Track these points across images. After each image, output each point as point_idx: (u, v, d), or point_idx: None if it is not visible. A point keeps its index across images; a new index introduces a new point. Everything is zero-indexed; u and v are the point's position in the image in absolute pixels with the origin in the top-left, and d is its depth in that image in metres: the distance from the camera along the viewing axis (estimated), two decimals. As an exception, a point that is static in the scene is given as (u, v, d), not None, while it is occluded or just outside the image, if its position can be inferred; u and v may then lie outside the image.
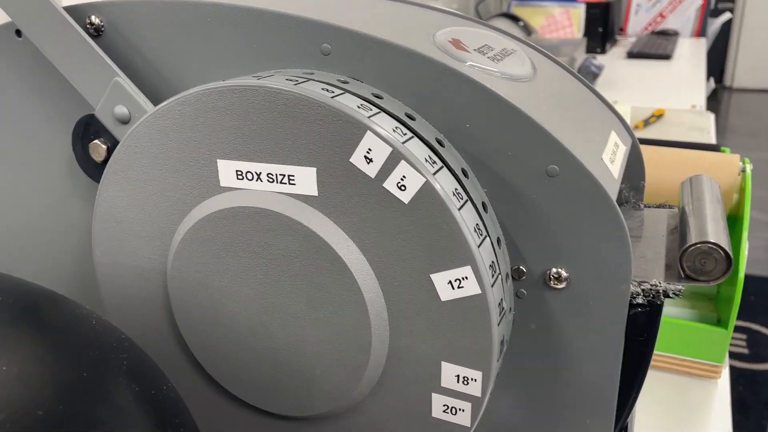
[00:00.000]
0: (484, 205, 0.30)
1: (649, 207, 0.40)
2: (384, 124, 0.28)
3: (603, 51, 1.94)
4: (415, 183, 0.27)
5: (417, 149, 0.28)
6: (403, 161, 0.27)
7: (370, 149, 0.28)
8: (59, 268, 0.41)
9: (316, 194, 0.29)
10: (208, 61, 0.34)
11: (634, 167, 0.40)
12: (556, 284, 0.31)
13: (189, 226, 0.32)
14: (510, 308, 0.31)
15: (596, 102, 0.39)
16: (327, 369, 0.32)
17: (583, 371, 0.32)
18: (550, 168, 0.29)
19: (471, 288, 0.28)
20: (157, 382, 0.25)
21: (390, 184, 0.28)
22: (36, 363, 0.22)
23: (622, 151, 0.36)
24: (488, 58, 0.33)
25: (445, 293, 0.29)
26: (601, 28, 1.97)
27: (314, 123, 0.28)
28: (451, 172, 0.29)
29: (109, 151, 0.36)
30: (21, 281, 0.30)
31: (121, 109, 0.34)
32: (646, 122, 1.15)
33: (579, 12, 1.99)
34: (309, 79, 0.30)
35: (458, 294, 0.28)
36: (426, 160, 0.28)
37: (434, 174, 0.28)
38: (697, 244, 0.30)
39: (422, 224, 0.28)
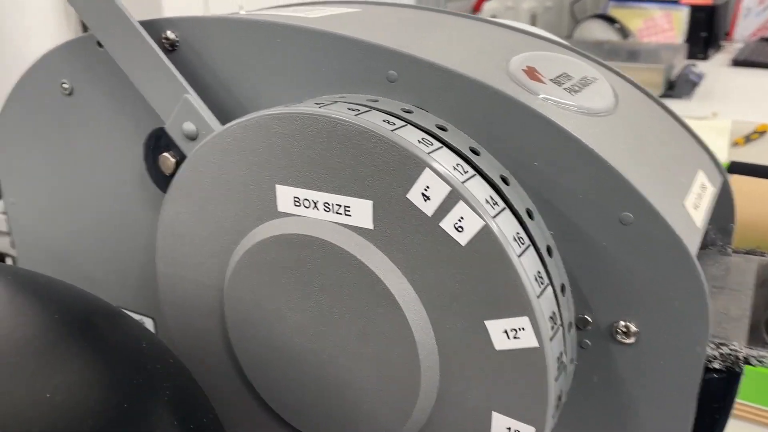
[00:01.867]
0: (549, 249, 0.28)
1: (738, 252, 0.37)
2: (444, 160, 0.27)
3: (705, 57, 1.83)
4: (473, 225, 0.26)
5: (478, 188, 0.27)
6: (461, 202, 0.26)
7: (428, 187, 0.26)
8: (125, 275, 0.42)
9: (372, 228, 0.28)
10: (277, 82, 0.33)
11: (723, 207, 0.37)
12: (624, 338, 0.29)
13: (246, 248, 0.32)
14: (571, 359, 0.29)
15: (684, 136, 0.36)
16: (374, 405, 0.31)
17: (647, 433, 0.30)
18: (623, 215, 0.27)
19: (528, 340, 0.26)
20: (198, 413, 0.25)
21: (447, 225, 0.26)
22: (80, 390, 0.23)
23: (710, 193, 0.33)
24: (565, 89, 0.31)
25: (500, 342, 0.27)
26: (705, 33, 1.86)
27: (372, 155, 0.27)
28: (515, 214, 0.27)
29: (178, 165, 0.36)
30: (80, 293, 0.30)
31: (190, 126, 0.34)
32: (747, 139, 1.08)
33: (681, 15, 1.89)
34: (372, 108, 0.29)
35: (514, 345, 0.27)
36: (487, 201, 0.26)
37: (495, 216, 0.26)
38: (786, 308, 0.27)
39: (479, 268, 0.26)
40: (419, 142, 0.27)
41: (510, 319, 0.26)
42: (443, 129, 0.29)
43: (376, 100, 0.30)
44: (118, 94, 0.39)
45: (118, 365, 0.25)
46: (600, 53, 1.55)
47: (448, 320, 0.28)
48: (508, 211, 0.27)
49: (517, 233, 0.27)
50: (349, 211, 0.29)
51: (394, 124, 0.28)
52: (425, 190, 0.26)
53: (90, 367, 0.24)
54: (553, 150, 0.28)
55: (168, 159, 0.36)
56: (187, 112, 0.34)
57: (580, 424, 0.31)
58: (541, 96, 0.29)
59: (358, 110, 0.28)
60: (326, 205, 0.29)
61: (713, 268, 0.35)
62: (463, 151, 0.28)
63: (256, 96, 0.34)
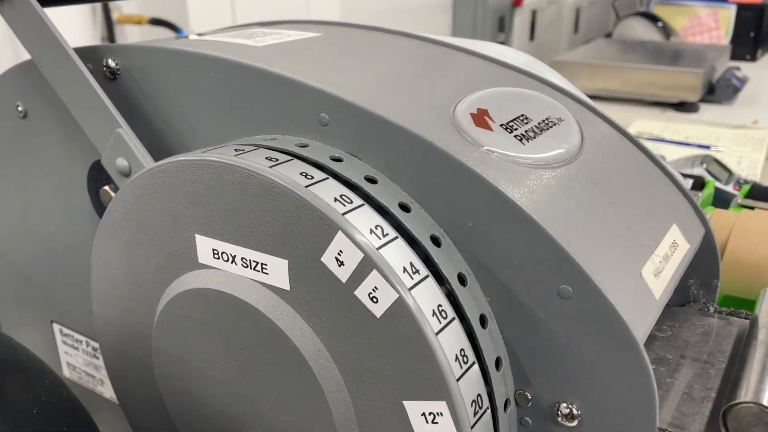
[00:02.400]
0: (483, 318, 0.25)
1: (720, 313, 0.33)
2: (362, 222, 0.24)
3: (753, 59, 1.74)
4: (387, 297, 0.23)
5: (397, 254, 0.24)
6: (375, 270, 0.23)
7: (341, 251, 0.24)
8: (83, 300, 0.41)
9: (288, 288, 0.26)
10: (212, 118, 0.31)
11: (706, 262, 0.33)
12: (566, 421, 0.26)
13: (168, 299, 0.30)
14: (509, 438, 0.27)
15: (662, 183, 0.32)
16: (296, 475, 0.28)
17: None
18: (562, 288, 0.24)
19: (446, 427, 0.24)
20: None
21: (361, 294, 0.24)
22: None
23: (683, 251, 0.30)
24: (516, 136, 0.28)
25: (419, 426, 0.24)
26: (753, 33, 1.77)
27: (286, 212, 0.25)
28: (440, 281, 0.24)
29: (118, 199, 0.34)
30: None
31: (122, 162, 0.32)
32: (787, 153, 1.01)
33: (729, 14, 1.80)
34: (294, 157, 0.26)
35: (433, 430, 0.24)
36: (405, 270, 0.24)
37: (413, 287, 0.23)
38: (745, 403, 0.24)
39: (395, 343, 0.24)
40: (336, 200, 0.24)
41: (427, 402, 0.24)
42: (373, 181, 0.26)
43: (306, 146, 0.28)
44: (69, 120, 0.37)
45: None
46: (641, 53, 1.49)
47: (368, 396, 0.25)
48: (430, 280, 0.24)
49: (439, 306, 0.24)
50: (266, 269, 0.26)
51: (312, 177, 0.25)
52: (338, 254, 0.24)
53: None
54: (488, 211, 0.25)
55: (108, 193, 0.35)
56: (119, 147, 0.32)
57: (522, 506, 0.28)
58: (484, 148, 0.27)
59: (277, 160, 0.26)
60: (244, 260, 0.27)
61: (688, 331, 0.31)
62: (390, 208, 0.25)
63: (193, 132, 0.32)
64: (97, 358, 0.44)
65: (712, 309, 0.33)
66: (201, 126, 0.32)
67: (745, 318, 0.32)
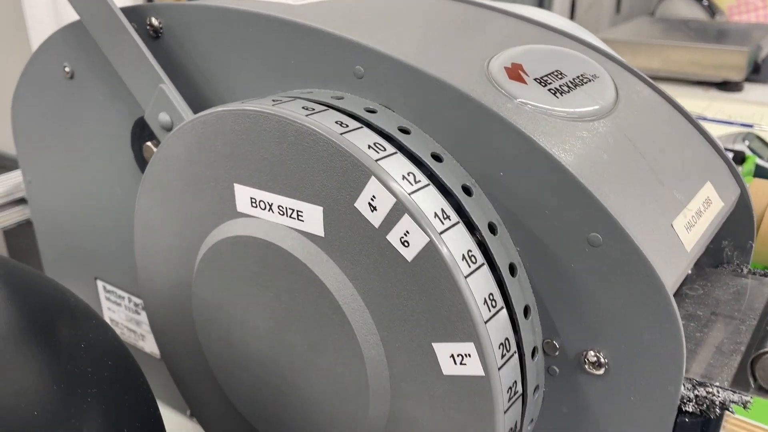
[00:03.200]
0: (512, 267, 0.26)
1: (754, 274, 0.33)
2: (395, 169, 0.25)
3: (802, 38, 1.68)
4: (418, 241, 0.24)
5: (429, 200, 0.24)
6: (406, 215, 0.24)
7: (374, 196, 0.24)
8: (127, 257, 0.42)
9: (323, 235, 0.27)
10: (251, 73, 0.32)
11: (741, 223, 0.33)
12: (593, 369, 0.26)
13: (207, 248, 0.31)
14: (537, 386, 0.27)
15: (698, 143, 0.32)
16: (327, 418, 0.29)
17: (617, 472, 0.27)
18: (591, 236, 0.24)
19: (474, 368, 0.24)
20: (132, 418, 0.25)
21: (393, 238, 0.25)
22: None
23: (716, 209, 0.29)
24: (549, 90, 0.28)
25: (448, 367, 0.25)
26: (803, 12, 1.71)
27: (321, 159, 0.25)
28: (470, 229, 0.25)
29: (160, 155, 0.35)
30: (49, 286, 0.30)
31: (165, 117, 0.33)
32: (833, 133, 0.98)
33: (778, -8, 1.74)
34: (330, 107, 0.27)
35: (460, 371, 0.25)
36: (436, 215, 0.24)
37: (443, 232, 0.24)
38: (775, 351, 0.24)
39: (425, 286, 0.24)
40: (370, 147, 0.25)
41: (456, 343, 0.24)
42: (406, 132, 0.27)
43: (341, 98, 0.28)
44: (114, 80, 0.38)
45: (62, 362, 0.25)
46: (684, 31, 1.46)
47: (398, 338, 0.26)
48: (461, 226, 0.25)
49: (469, 251, 0.24)
50: (301, 216, 0.27)
51: (347, 126, 0.26)
52: (372, 199, 0.25)
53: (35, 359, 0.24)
54: (520, 161, 0.25)
55: (151, 149, 0.36)
56: (162, 103, 0.33)
57: (548, 455, 0.29)
58: (517, 100, 0.27)
59: (313, 110, 0.27)
60: (280, 208, 0.28)
61: (720, 290, 0.31)
62: (422, 158, 0.26)
63: (232, 89, 0.33)
64: (139, 313, 0.46)
65: (745, 270, 0.33)
66: (240, 82, 0.33)
67: (780, 279, 0.32)
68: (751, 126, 1.05)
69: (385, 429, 0.28)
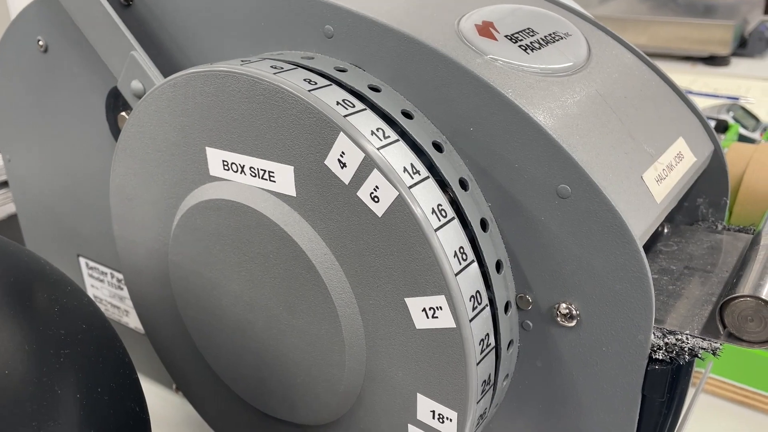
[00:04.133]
0: (483, 222, 0.26)
1: (729, 230, 0.33)
2: (364, 124, 0.25)
3: (788, 12, 1.68)
4: (387, 195, 0.24)
5: (398, 155, 0.24)
6: (375, 170, 0.24)
7: (343, 152, 0.24)
8: (107, 231, 0.42)
9: (295, 195, 0.27)
10: (222, 37, 0.32)
11: (715, 180, 0.33)
12: (565, 321, 0.26)
13: (183, 213, 0.31)
14: (510, 341, 0.27)
15: (670, 101, 0.32)
16: (306, 379, 0.29)
17: (591, 424, 0.27)
18: (560, 188, 0.24)
19: (445, 320, 0.24)
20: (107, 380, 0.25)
21: (363, 194, 0.25)
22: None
23: (688, 163, 0.30)
24: (520, 47, 0.28)
25: (420, 321, 0.25)
26: (790, -14, 1.71)
27: (290, 117, 0.25)
28: (441, 184, 0.25)
29: (135, 124, 0.35)
30: (23, 255, 0.30)
31: (137, 84, 0.33)
32: (818, 103, 0.99)
33: (764, -34, 1.74)
34: (299, 66, 0.27)
35: (433, 324, 0.25)
36: (405, 170, 0.24)
37: (413, 186, 0.24)
38: (743, 297, 0.24)
39: (396, 241, 0.24)
40: (338, 104, 0.25)
41: (427, 297, 0.24)
42: (376, 90, 0.27)
43: (312, 58, 0.28)
44: (88, 52, 0.38)
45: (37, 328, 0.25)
46: (671, 7, 1.46)
47: (372, 295, 0.26)
48: (431, 181, 0.25)
49: (439, 205, 0.24)
50: (273, 176, 0.27)
51: (316, 83, 0.26)
52: (341, 156, 0.25)
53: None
54: (490, 115, 0.25)
55: (125, 118, 0.36)
56: (134, 70, 0.33)
57: (524, 410, 0.29)
58: (488, 56, 0.27)
59: (282, 68, 0.26)
60: (252, 170, 0.28)
61: (695, 246, 0.32)
62: (392, 115, 0.26)
63: (204, 53, 0.33)
64: (122, 289, 0.46)
65: (720, 227, 0.33)
66: (211, 48, 0.33)
67: (753, 233, 0.32)
68: (737, 99, 1.05)
69: (362, 387, 0.28)
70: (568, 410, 0.28)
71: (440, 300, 0.24)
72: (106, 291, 0.47)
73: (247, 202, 0.28)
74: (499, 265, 0.26)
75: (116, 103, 0.36)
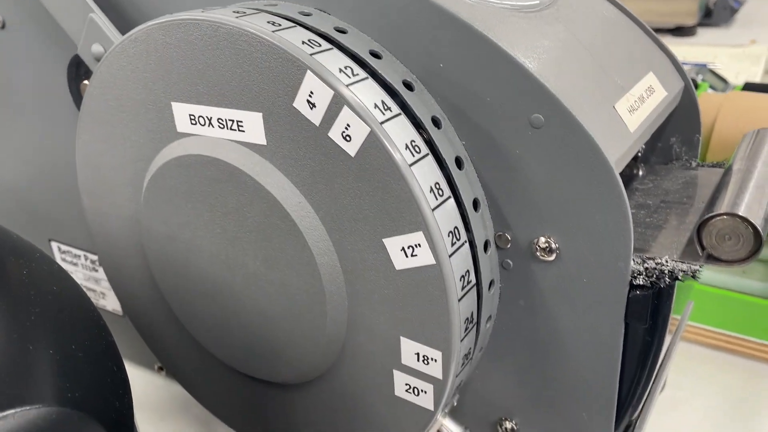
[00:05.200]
0: (458, 160, 0.26)
1: (703, 166, 0.33)
2: (331, 62, 0.24)
3: (751, -18, 1.70)
4: (360, 133, 0.23)
5: (368, 93, 0.24)
6: (345, 107, 0.23)
7: (312, 92, 0.24)
8: (77, 212, 0.41)
9: (265, 143, 0.26)
10: (183, -6, 0.31)
11: (687, 117, 0.33)
12: (544, 256, 0.26)
13: (152, 174, 0.30)
14: (492, 281, 0.27)
15: (640, 39, 0.32)
16: (287, 334, 0.29)
17: (577, 359, 0.27)
18: (534, 117, 0.24)
19: (425, 257, 0.24)
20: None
21: (335, 134, 0.24)
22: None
23: (659, 97, 0.30)
24: (486, -17, 0.28)
25: (399, 261, 0.25)
26: (751, -44, 1.73)
27: (256, 61, 0.25)
28: (412, 121, 0.25)
29: (98, 93, 0.34)
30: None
31: (98, 48, 0.32)
32: (784, 65, 1.00)
33: (725, -62, 1.76)
34: (262, 11, 0.26)
35: (412, 263, 0.24)
36: (377, 106, 0.24)
37: (384, 122, 0.24)
38: (720, 215, 0.24)
39: (371, 181, 0.24)
40: (304, 43, 0.24)
41: (405, 235, 0.24)
42: (342, 31, 0.26)
43: (275, 5, 0.28)
44: (47, 23, 0.37)
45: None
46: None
47: (349, 240, 0.26)
48: (402, 117, 0.24)
49: (412, 141, 0.24)
50: (242, 126, 0.26)
51: (280, 25, 0.25)
52: (310, 96, 0.24)
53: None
54: (459, 50, 0.25)
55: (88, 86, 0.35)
56: (94, 33, 0.32)
57: (509, 352, 0.29)
58: (453, -9, 0.26)
59: (244, 12, 0.26)
60: (220, 121, 0.27)
61: (670, 182, 0.32)
62: (360, 55, 0.25)
63: (161, 10, 0.32)
64: (96, 270, 0.45)
65: (694, 164, 0.33)
66: (167, 4, 0.32)
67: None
68: (704, 65, 1.06)
69: (345, 338, 0.28)
70: (553, 349, 0.28)
71: (418, 237, 0.24)
72: (80, 274, 0.46)
73: (218, 155, 0.27)
74: (476, 204, 0.26)
75: (78, 72, 0.35)
